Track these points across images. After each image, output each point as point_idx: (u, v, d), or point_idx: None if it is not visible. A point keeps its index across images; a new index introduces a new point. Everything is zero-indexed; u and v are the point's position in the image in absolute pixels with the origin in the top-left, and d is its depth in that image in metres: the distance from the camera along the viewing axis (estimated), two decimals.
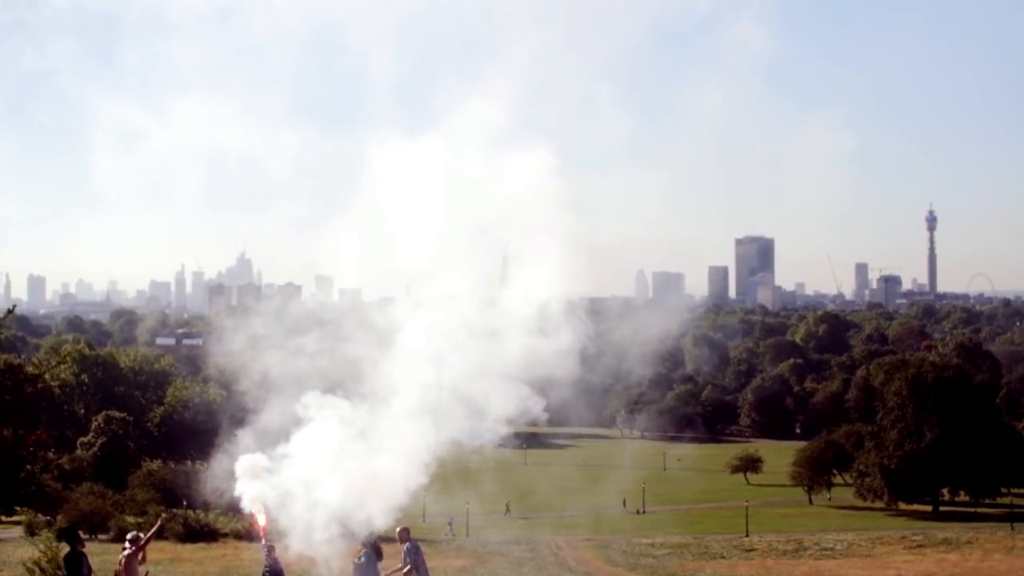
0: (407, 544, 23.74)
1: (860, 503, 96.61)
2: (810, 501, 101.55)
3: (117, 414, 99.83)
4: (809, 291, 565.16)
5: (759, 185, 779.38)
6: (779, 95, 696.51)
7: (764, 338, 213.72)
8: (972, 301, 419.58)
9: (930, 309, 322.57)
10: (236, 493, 24.89)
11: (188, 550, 61.14)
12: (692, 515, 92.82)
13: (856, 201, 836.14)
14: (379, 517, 24.27)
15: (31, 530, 64.05)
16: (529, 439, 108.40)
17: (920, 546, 65.52)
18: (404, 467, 24.32)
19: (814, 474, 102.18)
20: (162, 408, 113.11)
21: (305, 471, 24.15)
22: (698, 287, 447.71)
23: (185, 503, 72.13)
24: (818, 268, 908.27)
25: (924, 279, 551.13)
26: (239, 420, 28.75)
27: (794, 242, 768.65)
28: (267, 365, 30.20)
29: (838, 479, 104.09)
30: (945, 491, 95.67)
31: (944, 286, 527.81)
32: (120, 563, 21.85)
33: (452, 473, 26.34)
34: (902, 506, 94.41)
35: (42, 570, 32.09)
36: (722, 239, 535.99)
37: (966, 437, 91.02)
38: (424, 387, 24.94)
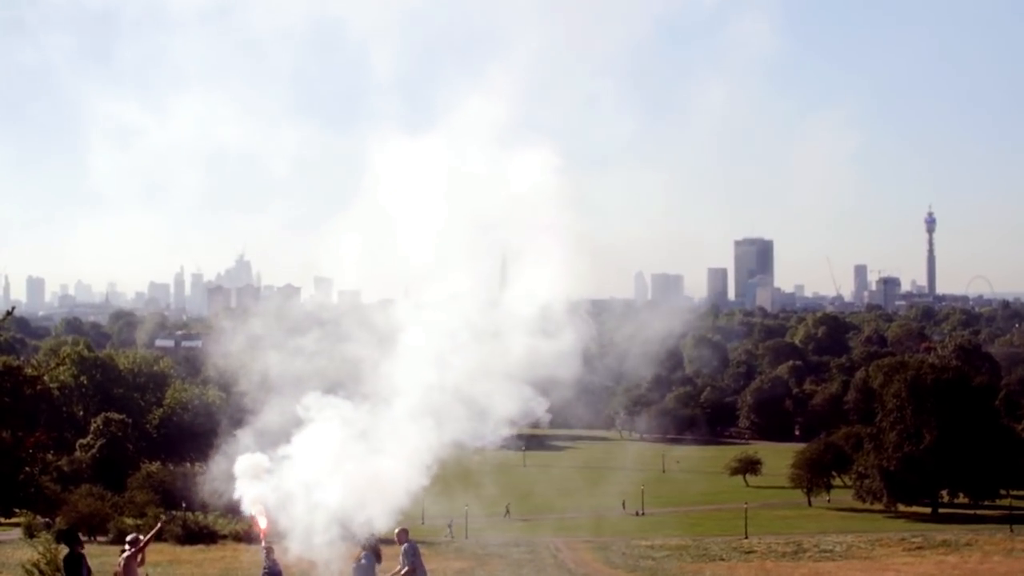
0: (405, 545, 23.72)
1: (859, 505, 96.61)
2: (809, 503, 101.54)
3: (116, 416, 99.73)
4: (808, 293, 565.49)
5: (758, 186, 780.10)
6: (780, 94, 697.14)
7: (763, 340, 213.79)
8: (971, 303, 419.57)
9: (929, 311, 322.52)
10: (236, 494, 24.82)
11: (187, 552, 61.17)
12: (691, 517, 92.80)
13: (855, 203, 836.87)
14: (380, 519, 24.17)
15: (30, 532, 64.08)
16: (528, 441, 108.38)
17: (919, 548, 65.51)
18: (405, 469, 24.21)
19: (813, 476, 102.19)
20: (161, 410, 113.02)
21: (305, 472, 24.06)
22: (697, 289, 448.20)
23: (184, 505, 72.10)
24: (817, 270, 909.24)
25: (923, 281, 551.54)
26: (238, 422, 28.68)
27: (793, 244, 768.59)
28: (267, 366, 30.12)
29: (837, 481, 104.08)
30: (944, 493, 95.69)
31: (943, 288, 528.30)
32: (119, 565, 21.84)
33: (452, 475, 26.23)
34: (901, 508, 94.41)
35: (41, 572, 32.11)
36: (721, 241, 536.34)
37: (965, 439, 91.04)
38: (426, 388, 24.80)
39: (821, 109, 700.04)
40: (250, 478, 24.35)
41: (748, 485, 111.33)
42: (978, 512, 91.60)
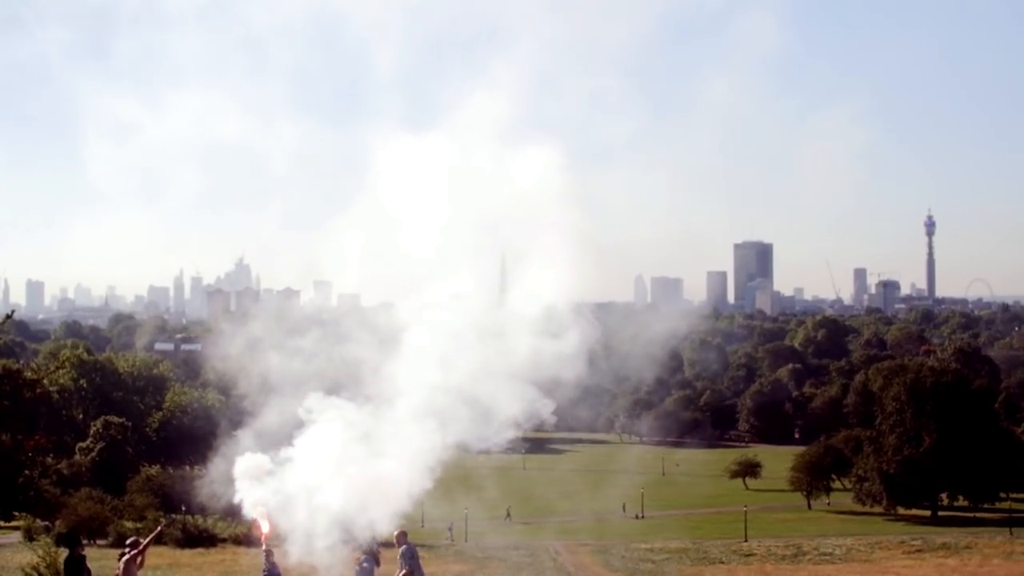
0: (403, 547, 23.72)
1: (859, 508, 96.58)
2: (809, 506, 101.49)
3: (116, 419, 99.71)
4: (808, 296, 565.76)
5: (758, 188, 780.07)
6: (781, 95, 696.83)
7: (763, 343, 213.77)
8: (970, 306, 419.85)
9: (929, 314, 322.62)
10: (236, 495, 24.70)
11: (187, 555, 61.16)
12: (691, 520, 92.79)
13: (855, 206, 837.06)
14: (382, 522, 24.02)
15: (30, 535, 64.06)
16: (528, 443, 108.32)
17: (919, 551, 65.52)
18: (408, 471, 24.06)
19: (813, 479, 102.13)
20: (161, 413, 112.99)
21: (307, 475, 23.91)
22: (696, 292, 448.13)
23: (183, 508, 72.11)
24: (817, 273, 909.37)
25: (923, 284, 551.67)
26: (238, 424, 28.61)
27: (792, 247, 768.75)
28: (266, 368, 29.96)
29: (837, 484, 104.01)
30: (944, 496, 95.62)
31: (942, 291, 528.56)
32: (118, 568, 21.84)
33: (453, 478, 26.05)
34: (901, 511, 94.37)
35: (40, 575, 32.07)
36: (721, 244, 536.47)
37: (965, 442, 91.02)
38: (429, 389, 24.61)
39: (821, 110, 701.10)
40: (251, 479, 24.25)
41: (748, 488, 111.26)
42: (978, 515, 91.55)
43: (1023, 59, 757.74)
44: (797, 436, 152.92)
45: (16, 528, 71.59)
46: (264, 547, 23.79)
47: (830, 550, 66.33)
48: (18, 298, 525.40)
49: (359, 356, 27.02)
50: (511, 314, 26.25)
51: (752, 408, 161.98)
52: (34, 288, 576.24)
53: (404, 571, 23.46)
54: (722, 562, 63.00)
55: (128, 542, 22.57)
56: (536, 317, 26.14)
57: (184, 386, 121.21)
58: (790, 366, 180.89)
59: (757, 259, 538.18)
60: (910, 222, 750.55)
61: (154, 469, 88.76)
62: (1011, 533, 74.98)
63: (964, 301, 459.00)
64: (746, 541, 73.69)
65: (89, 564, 21.82)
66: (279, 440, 25.25)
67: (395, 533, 24.01)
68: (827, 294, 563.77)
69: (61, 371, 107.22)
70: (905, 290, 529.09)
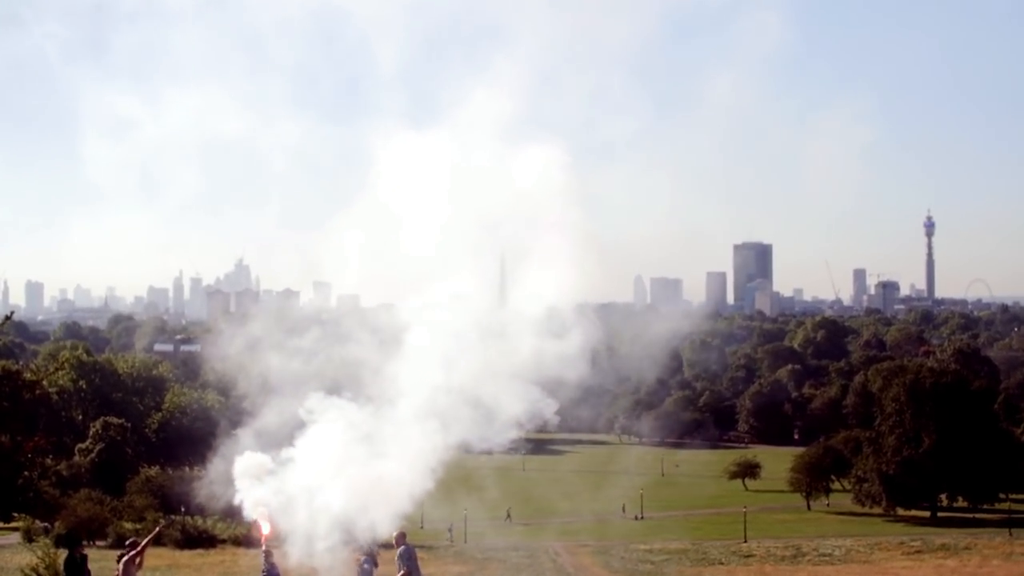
0: (401, 548, 23.72)
1: (858, 509, 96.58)
2: (808, 507, 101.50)
3: (115, 420, 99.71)
4: (807, 297, 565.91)
5: (758, 189, 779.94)
6: (781, 95, 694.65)
7: (762, 344, 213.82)
8: (970, 307, 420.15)
9: (928, 315, 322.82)
10: (237, 495, 24.62)
11: (186, 556, 61.10)
12: (691, 521, 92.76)
13: (854, 207, 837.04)
14: (383, 524, 23.92)
15: (29, 536, 64.02)
16: (531, 444, 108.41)
17: (918, 552, 65.48)
18: (410, 472, 23.96)
19: (812, 480, 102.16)
20: (160, 414, 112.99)
21: (308, 476, 23.82)
22: (696, 293, 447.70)
23: (183, 509, 72.07)
24: (816, 274, 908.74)
25: (922, 285, 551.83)
26: (237, 425, 28.55)
27: (792, 248, 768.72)
28: (266, 368, 29.85)
29: (836, 485, 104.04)
30: (943, 497, 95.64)
31: (942, 292, 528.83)
32: (118, 569, 21.84)
33: (453, 478, 25.97)
34: (900, 512, 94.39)
35: None
36: (720, 245, 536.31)
37: (964, 443, 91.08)
38: (431, 389, 24.47)
39: (821, 111, 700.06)
40: (251, 478, 24.18)
41: (747, 489, 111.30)
42: (977, 516, 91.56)
43: (1023, 60, 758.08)
44: (796, 437, 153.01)
45: (15, 529, 71.56)
46: (264, 548, 23.77)
47: (829, 551, 66.30)
48: (17, 299, 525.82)
49: (360, 356, 26.91)
50: (513, 314, 26.13)
51: (751, 409, 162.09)
52: (33, 289, 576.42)
53: (402, 572, 23.46)
54: (721, 563, 62.96)
55: (127, 543, 22.59)
56: (538, 317, 26.00)
57: (183, 387, 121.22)
58: (789, 367, 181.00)
59: (756, 260, 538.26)
60: (909, 223, 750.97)
61: (153, 470, 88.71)
62: (1010, 534, 74.95)
63: (963, 302, 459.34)
64: (745, 542, 73.66)
65: (90, 565, 21.79)
66: (279, 440, 25.19)
67: (394, 534, 24.01)
68: (826, 295, 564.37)
69: (60, 372, 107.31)
70: (904, 291, 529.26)
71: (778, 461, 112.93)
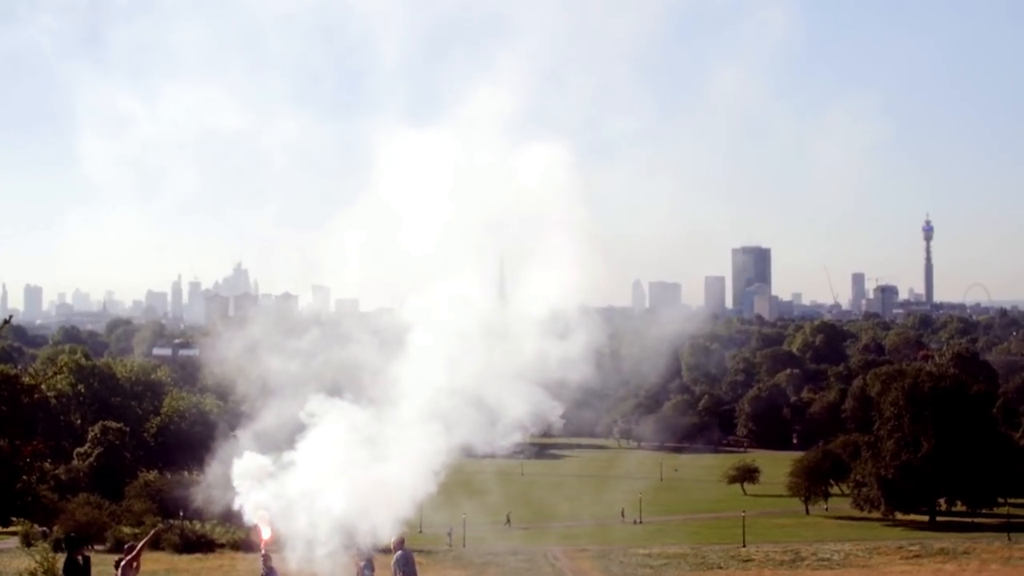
0: (398, 553, 23.68)
1: (857, 513, 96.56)
2: (807, 511, 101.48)
3: (114, 424, 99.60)
4: (806, 301, 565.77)
5: (757, 193, 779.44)
6: (782, 95, 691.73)
7: (761, 348, 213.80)
8: (969, 311, 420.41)
9: (927, 319, 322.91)
10: (236, 498, 24.43)
11: (184, 560, 61.14)
12: (689, 525, 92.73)
13: (853, 211, 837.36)
14: (385, 528, 23.76)
15: (27, 541, 64.01)
16: (532, 448, 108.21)
17: (917, 556, 65.56)
18: (412, 476, 23.75)
19: (811, 484, 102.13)
20: (159, 418, 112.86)
21: (309, 479, 23.64)
22: (694, 297, 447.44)
23: (181, 513, 72.01)
24: (815, 278, 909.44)
25: (921, 289, 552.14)
26: (236, 429, 28.46)
27: (790, 252, 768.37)
28: (265, 370, 29.69)
29: (835, 489, 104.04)
30: (942, 501, 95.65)
31: (940, 296, 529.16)
32: (116, 575, 21.82)
33: (452, 483, 25.84)
34: (899, 516, 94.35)
35: None
36: (719, 249, 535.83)
37: (963, 447, 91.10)
38: (434, 390, 24.24)
39: (821, 114, 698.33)
40: (251, 480, 24.02)
41: (746, 493, 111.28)
42: (976, 520, 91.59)
43: (1022, 63, 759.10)
44: (795, 441, 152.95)
45: (14, 533, 71.55)
46: (263, 551, 23.71)
47: (828, 555, 66.36)
48: (16, 303, 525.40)
49: (360, 358, 26.77)
50: (516, 315, 25.94)
51: (750, 413, 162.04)
52: (32, 293, 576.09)
53: None
54: (720, 567, 63.05)
55: (125, 547, 22.58)
56: (542, 318, 25.82)
57: (182, 391, 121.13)
58: (788, 371, 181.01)
59: (755, 264, 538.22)
60: (908, 227, 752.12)
61: (152, 474, 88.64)
62: (1009, 538, 75.02)
63: (962, 306, 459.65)
64: (744, 546, 73.67)
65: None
66: (278, 443, 25.10)
67: (392, 539, 23.93)
68: (825, 299, 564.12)
69: (59, 376, 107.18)
70: (903, 295, 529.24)
71: (777, 465, 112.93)
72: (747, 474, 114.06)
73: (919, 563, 62.73)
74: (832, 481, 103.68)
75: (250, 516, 24.28)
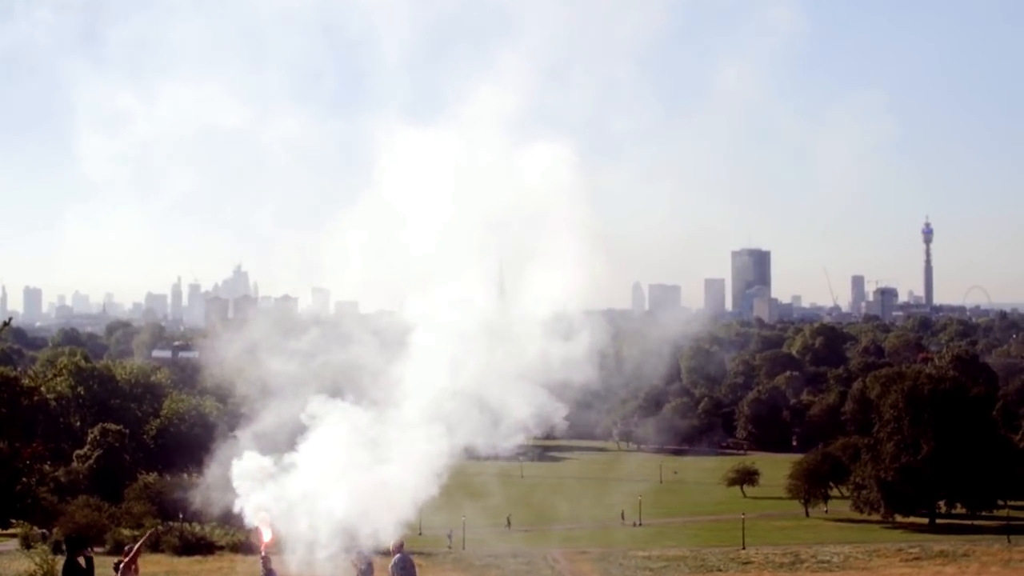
0: (396, 556, 23.64)
1: (857, 516, 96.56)
2: (807, 514, 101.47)
3: (113, 427, 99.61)
4: (805, 303, 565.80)
5: (756, 195, 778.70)
6: (782, 97, 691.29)
7: (760, 350, 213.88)
8: (968, 313, 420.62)
9: (926, 322, 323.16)
10: (237, 499, 24.32)
11: (184, 563, 61.07)
12: (689, 528, 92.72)
13: (852, 213, 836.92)
14: (387, 531, 23.63)
15: (27, 543, 63.97)
16: (535, 450, 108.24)
17: (917, 559, 65.56)
18: (414, 478, 23.61)
19: (811, 487, 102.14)
20: (158, 421, 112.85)
21: (309, 481, 23.52)
22: (694, 300, 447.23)
23: (181, 516, 71.97)
24: (814, 280, 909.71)
25: (920, 291, 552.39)
26: (236, 431, 28.39)
27: (790, 254, 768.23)
28: (265, 372, 29.56)
29: (835, 492, 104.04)
30: (942, 504, 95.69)
31: (940, 298, 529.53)
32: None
33: (452, 485, 25.75)
34: (899, 519, 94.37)
35: None
36: (719, 251, 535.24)
37: (962, 450, 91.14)
38: (437, 391, 24.09)
39: (820, 116, 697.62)
40: (251, 481, 23.91)
41: (745, 496, 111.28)
42: (975, 523, 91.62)
43: (1021, 66, 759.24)
44: (795, 444, 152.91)
45: (13, 536, 71.51)
46: (262, 554, 23.67)
47: (828, 558, 66.35)
48: (16, 305, 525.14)
49: (361, 359, 26.66)
50: (519, 315, 25.81)
51: (750, 416, 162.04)
52: (32, 295, 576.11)
53: None
54: (720, 570, 63.02)
55: (125, 549, 22.59)
56: (545, 318, 25.70)
57: (181, 394, 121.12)
58: (788, 373, 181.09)
59: (755, 266, 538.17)
60: (908, 229, 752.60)
61: (151, 476, 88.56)
62: (1009, 541, 75.03)
63: (962, 308, 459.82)
64: (744, 549, 73.66)
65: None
66: (279, 445, 25.03)
67: (391, 543, 23.87)
68: (825, 301, 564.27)
69: (58, 378, 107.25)
70: (903, 297, 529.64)
71: (776, 468, 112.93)
72: (747, 476, 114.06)
73: (919, 565, 62.70)
74: (832, 483, 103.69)
75: (251, 518, 24.20)
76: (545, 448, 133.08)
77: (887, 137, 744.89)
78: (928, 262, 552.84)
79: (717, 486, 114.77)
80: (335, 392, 25.38)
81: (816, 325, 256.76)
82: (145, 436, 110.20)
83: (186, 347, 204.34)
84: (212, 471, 29.04)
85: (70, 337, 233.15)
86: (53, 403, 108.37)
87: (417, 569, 25.13)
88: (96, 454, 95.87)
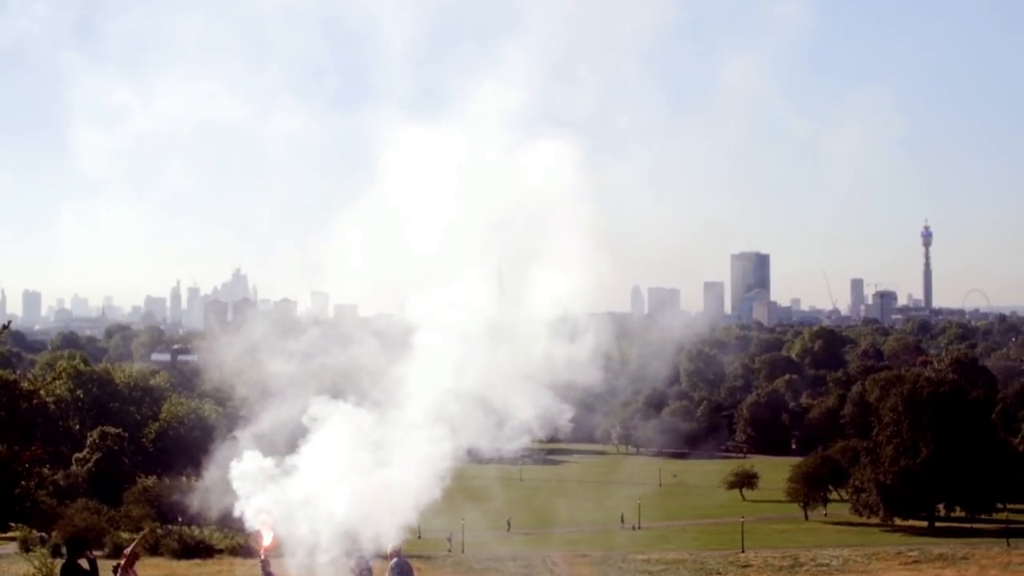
0: (394, 560, 23.61)
1: (856, 519, 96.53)
2: (806, 517, 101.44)
3: (112, 430, 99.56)
4: (805, 307, 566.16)
5: (756, 198, 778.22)
6: (782, 97, 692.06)
7: (760, 354, 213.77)
8: (968, 317, 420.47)
9: (925, 325, 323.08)
10: (236, 502, 24.20)
11: (183, 566, 61.11)
12: (688, 531, 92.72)
13: (851, 216, 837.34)
14: (389, 534, 23.48)
15: (26, 546, 63.96)
16: (539, 453, 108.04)
17: (916, 562, 65.58)
18: (417, 480, 23.42)
19: (810, 490, 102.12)
20: (157, 424, 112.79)
21: (310, 483, 23.37)
22: (693, 303, 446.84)
23: (180, 519, 71.96)
24: (814, 283, 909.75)
25: (919, 295, 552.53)
26: (235, 435, 28.29)
27: (789, 257, 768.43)
28: (265, 372, 29.43)
29: (834, 495, 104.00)
30: (941, 507, 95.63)
31: (939, 302, 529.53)
32: None
33: (453, 488, 25.66)
34: (898, 522, 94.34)
35: None
36: (718, 254, 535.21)
37: (962, 453, 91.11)
38: (440, 392, 23.89)
39: (820, 118, 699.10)
40: (251, 483, 23.78)
41: (745, 499, 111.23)
42: (975, 526, 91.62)
43: (1021, 68, 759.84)
44: (794, 447, 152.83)
45: (12, 539, 71.48)
46: (262, 557, 23.61)
47: (827, 561, 66.34)
48: (15, 308, 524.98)
49: (362, 360, 26.51)
50: (523, 316, 25.66)
51: (749, 419, 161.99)
52: (31, 298, 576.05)
53: None
54: (719, 573, 63.05)
55: (123, 552, 22.57)
56: (549, 319, 25.54)
57: (181, 397, 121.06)
58: (787, 377, 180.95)
59: (754, 269, 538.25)
60: (907, 232, 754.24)
61: (150, 480, 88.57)
62: (1008, 544, 75.05)
63: (961, 312, 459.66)
64: (743, 552, 73.65)
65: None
66: (279, 447, 24.94)
67: (389, 548, 23.79)
68: (824, 304, 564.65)
69: (58, 382, 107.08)
70: (902, 301, 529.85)
71: (775, 471, 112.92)
72: (746, 480, 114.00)
73: (918, 568, 62.73)
74: (831, 487, 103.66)
75: (251, 521, 24.09)
76: (544, 451, 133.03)
77: (890, 135, 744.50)
78: (927, 265, 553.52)
79: (716, 489, 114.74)
80: (336, 394, 25.24)
81: (815, 328, 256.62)
82: (144, 439, 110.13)
83: (185, 350, 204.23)
84: (211, 474, 28.91)
85: (69, 340, 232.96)
86: (52, 406, 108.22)
87: (416, 573, 25.09)
88: (95, 457, 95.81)
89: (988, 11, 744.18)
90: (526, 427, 24.66)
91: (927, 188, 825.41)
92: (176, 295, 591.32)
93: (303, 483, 23.46)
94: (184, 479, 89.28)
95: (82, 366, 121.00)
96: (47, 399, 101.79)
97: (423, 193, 27.16)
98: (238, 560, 60.74)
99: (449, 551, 74.43)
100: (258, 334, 33.37)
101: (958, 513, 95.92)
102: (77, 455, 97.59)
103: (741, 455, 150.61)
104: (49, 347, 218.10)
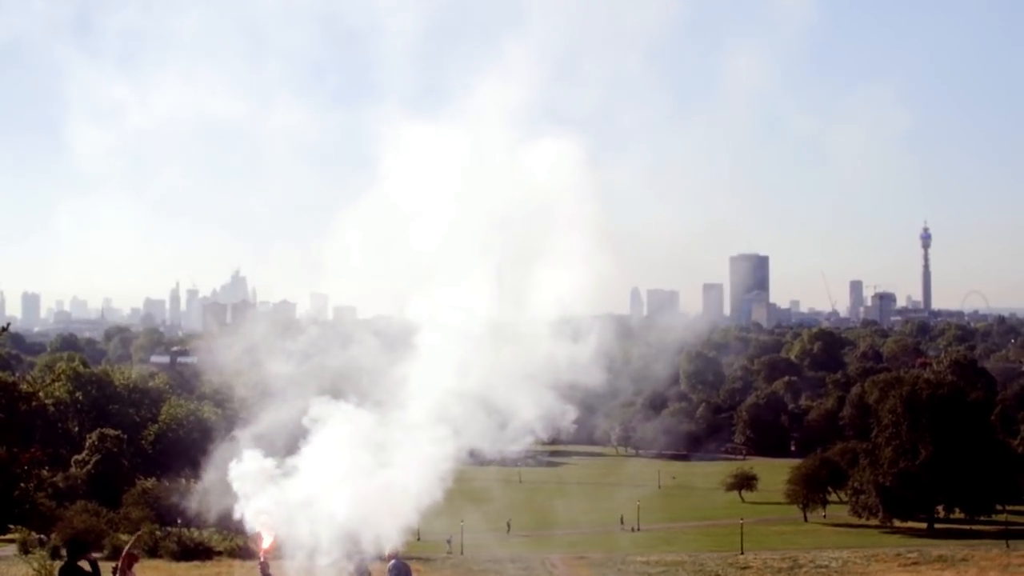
0: (392, 562, 23.59)
1: (855, 520, 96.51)
2: (805, 519, 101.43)
3: (111, 432, 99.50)
4: (804, 308, 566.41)
5: (756, 200, 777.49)
6: (778, 96, 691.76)
7: (759, 355, 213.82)
8: (967, 318, 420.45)
9: (925, 326, 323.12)
10: (236, 501, 24.11)
11: (182, 568, 61.06)
12: (687, 533, 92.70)
13: (851, 218, 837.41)
14: (389, 536, 23.36)
15: (25, 548, 63.94)
16: (543, 455, 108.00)
17: (915, 563, 65.55)
18: (418, 482, 23.28)
19: (809, 492, 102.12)
20: (156, 426, 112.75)
21: (311, 485, 23.25)
22: (692, 305, 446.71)
23: (179, 521, 71.92)
24: (813, 285, 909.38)
25: (918, 296, 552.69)
26: (234, 435, 28.22)
27: (788, 259, 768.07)
28: (265, 373, 29.35)
29: (833, 496, 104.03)
30: (940, 508, 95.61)
31: (939, 303, 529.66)
32: None
33: (453, 489, 25.59)
34: (897, 523, 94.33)
35: None
36: (717, 256, 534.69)
37: (961, 454, 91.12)
38: (442, 393, 23.76)
39: (820, 118, 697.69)
40: (251, 483, 23.67)
41: (744, 501, 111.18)
42: (974, 527, 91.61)
43: (1020, 70, 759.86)
44: (793, 449, 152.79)
45: (11, 541, 71.43)
46: (261, 559, 23.57)
47: (826, 563, 66.31)
48: (14, 310, 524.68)
49: (362, 361, 26.41)
50: (526, 316, 25.55)
51: (748, 421, 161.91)
52: (30, 300, 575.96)
53: None
54: (718, 575, 62.99)
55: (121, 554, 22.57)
56: (552, 320, 25.43)
57: (180, 399, 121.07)
58: (786, 378, 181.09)
59: (753, 271, 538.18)
60: (906, 234, 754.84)
61: (149, 482, 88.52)
62: (1007, 545, 75.06)
63: (960, 313, 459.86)
64: (742, 554, 73.64)
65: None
66: (278, 448, 24.89)
67: (387, 551, 23.73)
68: (823, 306, 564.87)
69: (57, 384, 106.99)
70: (901, 302, 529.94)
71: (775, 473, 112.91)
72: (745, 481, 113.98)
73: (917, 570, 62.72)
74: (830, 488, 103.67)
75: (251, 522, 23.96)
76: (543, 453, 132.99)
77: (891, 134, 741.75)
78: (926, 267, 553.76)
79: (716, 491, 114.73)
80: (336, 394, 25.11)
81: (814, 330, 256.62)
82: (143, 441, 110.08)
83: (184, 352, 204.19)
84: (210, 475, 28.80)
85: (68, 342, 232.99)
86: (51, 408, 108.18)
87: (415, 575, 25.06)
88: (94, 459, 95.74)
89: (988, 11, 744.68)
90: (528, 428, 24.53)
91: (926, 190, 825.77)
92: (175, 297, 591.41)
93: (303, 484, 23.35)
94: (183, 481, 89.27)
95: (81, 368, 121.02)
96: (46, 401, 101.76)
97: (424, 192, 27.01)
98: (237, 562, 60.66)
99: (448, 553, 74.40)
100: (257, 335, 33.28)
101: (957, 515, 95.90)
102: (76, 457, 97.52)
103: (740, 457, 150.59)
104: (48, 349, 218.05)
